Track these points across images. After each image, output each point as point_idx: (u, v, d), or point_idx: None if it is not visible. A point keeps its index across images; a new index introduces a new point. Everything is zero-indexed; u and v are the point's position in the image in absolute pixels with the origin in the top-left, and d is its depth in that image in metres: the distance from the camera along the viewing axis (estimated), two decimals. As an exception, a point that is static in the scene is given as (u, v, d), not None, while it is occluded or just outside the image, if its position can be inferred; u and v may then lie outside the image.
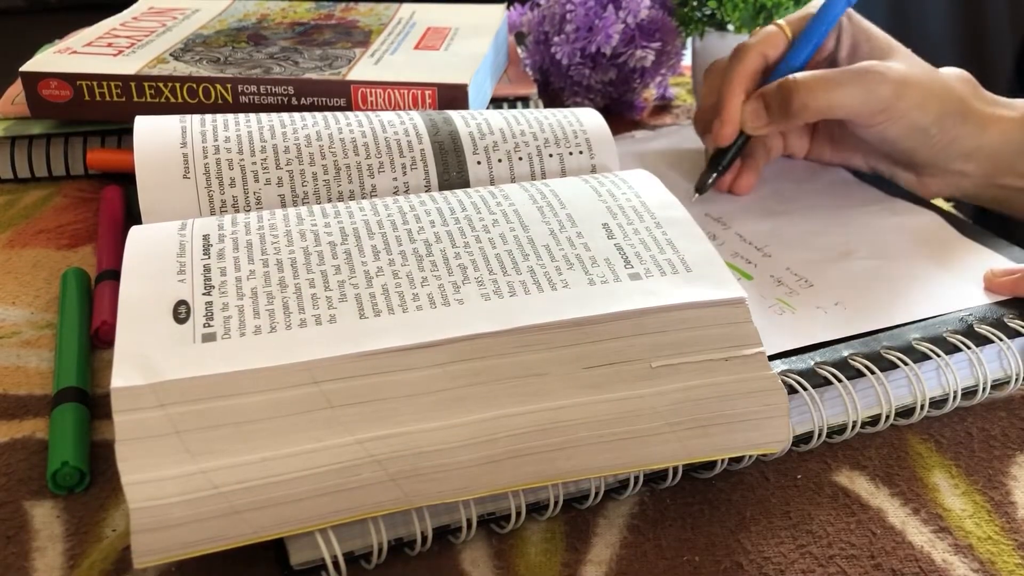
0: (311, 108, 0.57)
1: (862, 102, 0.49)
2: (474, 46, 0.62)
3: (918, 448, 0.39)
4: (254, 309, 0.34)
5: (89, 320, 0.46)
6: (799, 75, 0.50)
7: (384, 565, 0.33)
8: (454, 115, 0.49)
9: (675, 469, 0.36)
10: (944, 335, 0.40)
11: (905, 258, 0.47)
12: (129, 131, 0.59)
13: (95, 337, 0.45)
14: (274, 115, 0.47)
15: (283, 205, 0.44)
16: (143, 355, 0.32)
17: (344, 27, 0.66)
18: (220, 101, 0.57)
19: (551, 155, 0.47)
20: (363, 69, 0.58)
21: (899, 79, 0.49)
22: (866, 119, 0.50)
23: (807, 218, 0.52)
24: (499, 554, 0.34)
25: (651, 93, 0.75)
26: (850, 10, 0.53)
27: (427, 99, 0.56)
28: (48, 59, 0.59)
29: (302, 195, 0.44)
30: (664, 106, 0.74)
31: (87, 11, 0.74)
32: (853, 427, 0.38)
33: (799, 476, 0.37)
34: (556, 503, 0.34)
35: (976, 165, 0.51)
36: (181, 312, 0.34)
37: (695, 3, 0.67)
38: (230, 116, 0.47)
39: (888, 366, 0.38)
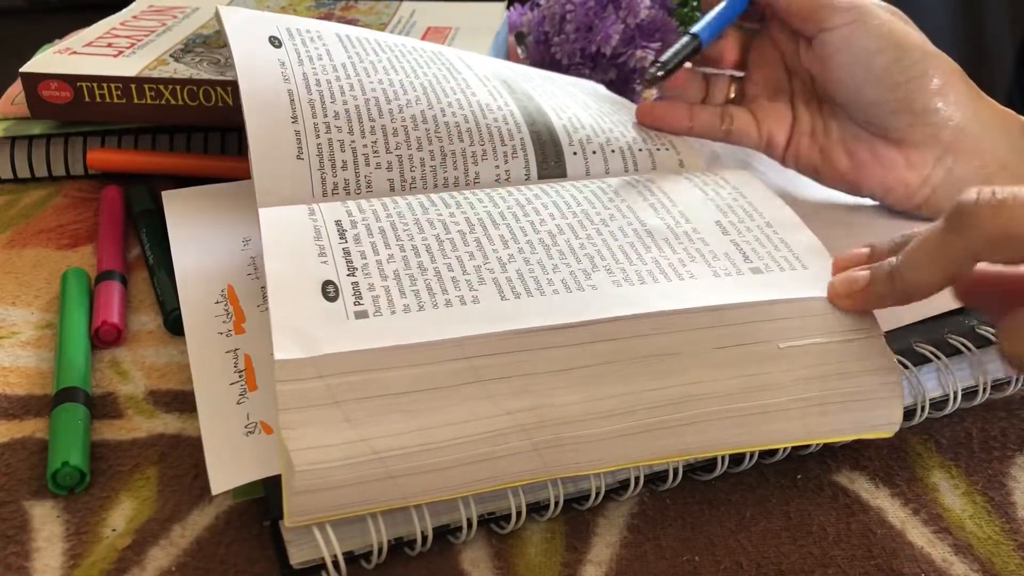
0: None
1: None
2: (474, 46, 0.62)
3: (918, 448, 0.39)
4: (399, 289, 0.36)
5: (89, 320, 0.46)
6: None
7: (384, 565, 0.33)
8: (545, 107, 0.49)
9: (675, 469, 0.36)
10: (945, 337, 0.40)
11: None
12: (130, 131, 0.60)
13: (95, 337, 0.45)
14: (374, 77, 0.46)
15: (392, 190, 0.44)
16: (300, 329, 0.33)
17: (344, 27, 0.66)
18: (220, 103, 0.56)
19: (640, 150, 0.48)
20: (363, 69, 0.58)
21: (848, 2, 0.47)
22: (805, 15, 0.47)
23: (809, 220, 0.52)
24: (499, 554, 0.34)
25: (651, 93, 0.75)
26: None
27: (427, 99, 0.56)
28: (48, 60, 0.59)
29: (410, 180, 0.45)
30: (664, 106, 0.74)
31: (87, 11, 0.74)
32: (921, 412, 0.38)
33: (799, 476, 0.37)
34: (557, 503, 0.34)
35: (967, 143, 0.47)
36: (330, 291, 0.35)
37: (695, 3, 0.67)
38: (333, 80, 0.46)
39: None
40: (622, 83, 0.70)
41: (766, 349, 0.35)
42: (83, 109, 0.57)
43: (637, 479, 0.35)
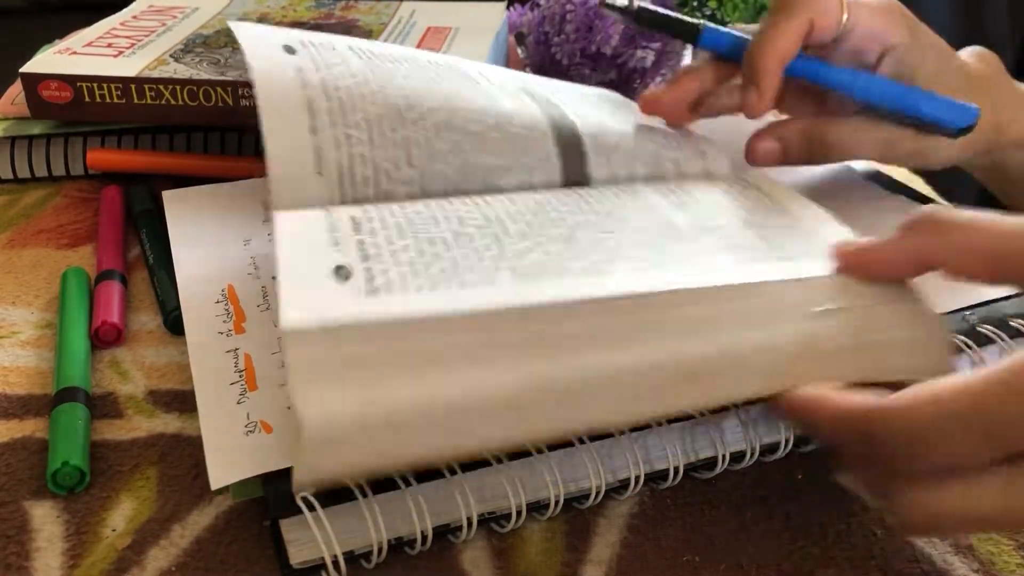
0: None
1: (815, 17, 0.45)
2: (474, 46, 0.62)
3: (918, 448, 0.39)
4: (414, 272, 0.35)
5: (89, 320, 0.46)
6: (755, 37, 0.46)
7: (384, 565, 0.33)
8: (566, 110, 0.47)
9: (675, 468, 0.36)
10: (975, 327, 0.40)
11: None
12: (130, 131, 0.60)
13: (95, 337, 0.45)
14: (394, 83, 0.44)
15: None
16: (310, 302, 0.33)
17: (344, 26, 0.66)
18: (220, 104, 0.57)
19: (669, 159, 0.47)
20: (363, 69, 0.58)
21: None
22: (826, 32, 0.46)
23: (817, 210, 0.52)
24: (499, 554, 0.34)
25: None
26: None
27: (427, 99, 0.56)
28: (48, 60, 0.59)
29: (431, 195, 0.43)
30: (664, 106, 0.74)
31: (87, 11, 0.74)
32: None
33: (799, 476, 0.37)
34: (556, 503, 0.34)
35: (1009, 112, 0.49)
36: (343, 274, 0.34)
37: (695, 3, 0.67)
38: (354, 88, 0.43)
39: None
40: (622, 83, 0.70)
41: (803, 313, 0.35)
42: (83, 109, 0.57)
43: (638, 478, 0.35)
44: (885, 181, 0.55)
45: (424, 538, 0.33)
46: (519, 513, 0.34)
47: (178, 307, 0.44)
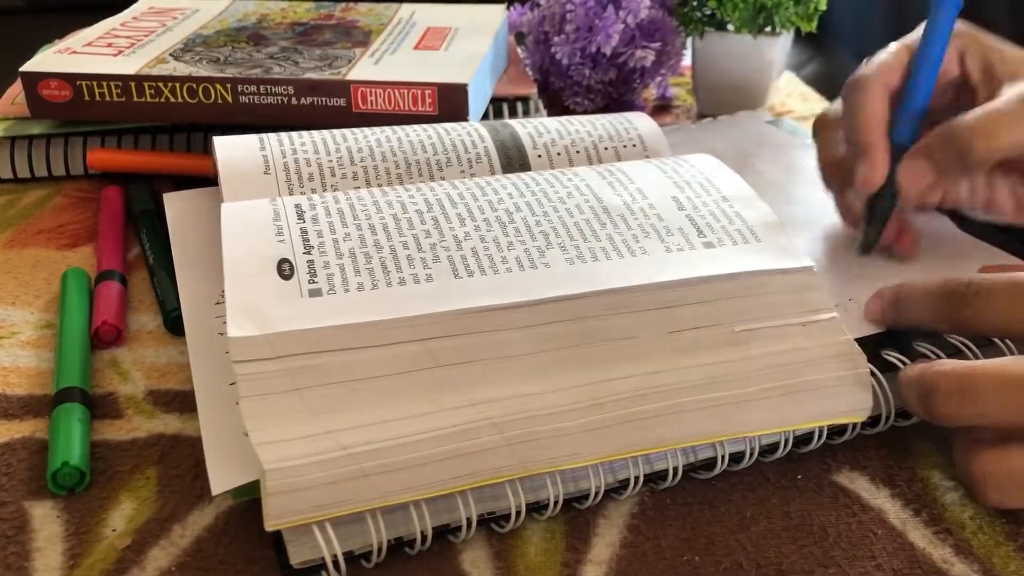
0: (311, 108, 0.57)
1: None
2: (474, 46, 0.62)
3: (919, 448, 0.39)
4: (354, 268, 0.36)
5: (89, 320, 0.46)
6: (966, 118, 0.42)
7: (384, 565, 0.33)
8: (511, 121, 0.51)
9: (675, 468, 0.36)
10: (946, 336, 0.40)
11: (917, 258, 0.47)
12: (130, 131, 0.60)
13: (95, 337, 0.45)
14: (342, 130, 0.50)
15: None
16: (254, 307, 0.33)
17: (344, 27, 0.66)
18: (220, 101, 0.56)
19: (606, 148, 0.49)
20: (363, 69, 0.58)
21: None
22: None
23: (813, 210, 0.52)
24: (499, 554, 0.34)
25: (651, 93, 0.75)
26: (967, 26, 0.47)
27: (427, 99, 0.56)
28: (48, 59, 0.59)
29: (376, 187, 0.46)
30: (664, 106, 0.74)
31: (87, 11, 0.74)
32: (854, 428, 0.38)
33: (799, 476, 0.37)
34: (556, 503, 0.34)
35: None
36: (285, 269, 0.35)
37: (695, 3, 0.67)
38: (303, 132, 0.49)
39: (888, 367, 0.38)
40: (622, 83, 0.70)
41: (721, 334, 0.36)
42: (83, 108, 0.57)
43: (637, 478, 0.35)
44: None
45: (424, 538, 0.33)
46: (519, 513, 0.34)
47: (178, 307, 0.44)
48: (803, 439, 0.38)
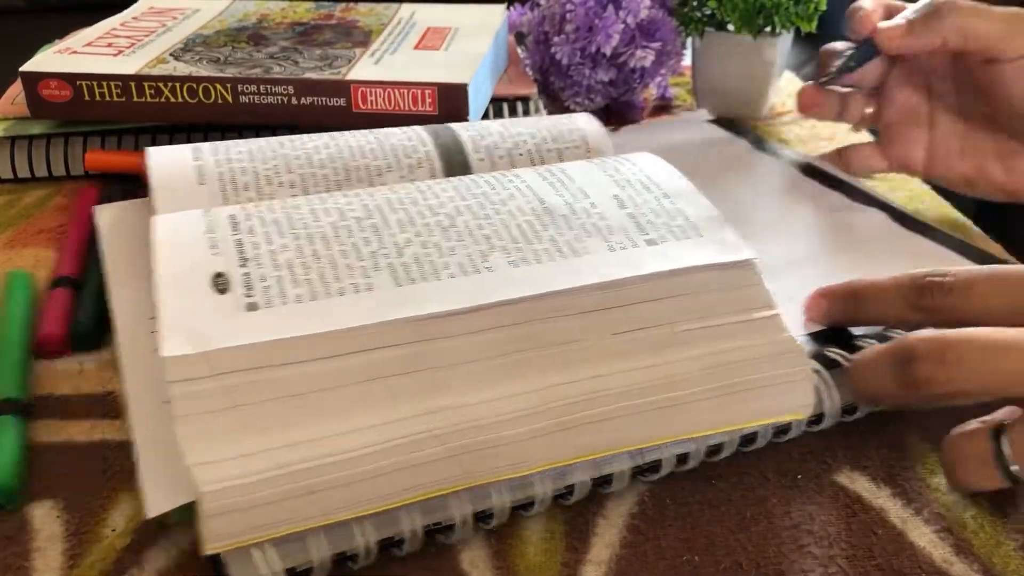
0: (311, 108, 0.57)
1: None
2: (474, 46, 0.62)
3: (919, 448, 0.39)
4: (292, 279, 0.35)
5: (33, 326, 0.45)
6: None
7: (383, 565, 0.33)
8: (452, 124, 0.50)
9: (622, 472, 0.35)
10: (887, 333, 0.40)
11: (852, 253, 0.48)
12: (130, 131, 0.60)
13: (39, 346, 0.44)
14: (279, 137, 0.48)
15: None
16: (189, 324, 0.32)
17: (344, 27, 0.66)
18: (220, 101, 0.56)
19: (549, 149, 0.48)
20: (363, 69, 0.58)
21: None
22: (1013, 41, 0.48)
23: (759, 209, 0.52)
24: (498, 554, 0.34)
25: (651, 93, 0.75)
26: None
27: (427, 99, 0.56)
28: (48, 59, 0.59)
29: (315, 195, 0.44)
30: (664, 106, 0.74)
31: (87, 11, 0.74)
32: (799, 426, 0.38)
33: (799, 476, 0.37)
34: (502, 511, 0.34)
35: None
36: (221, 283, 0.34)
37: (695, 3, 0.67)
38: (239, 140, 0.47)
39: (829, 364, 0.38)
40: (622, 83, 0.70)
41: (664, 334, 0.35)
42: (83, 108, 0.57)
43: (583, 483, 0.35)
44: (831, 180, 0.56)
45: (368, 552, 0.32)
46: (464, 523, 0.33)
47: (83, 321, 0.44)
48: (749, 438, 0.37)
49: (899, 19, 0.51)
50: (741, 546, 0.34)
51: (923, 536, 0.35)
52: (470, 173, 0.46)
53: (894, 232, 0.50)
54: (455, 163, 0.47)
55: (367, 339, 0.33)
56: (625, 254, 0.37)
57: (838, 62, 0.53)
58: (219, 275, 0.35)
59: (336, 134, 0.48)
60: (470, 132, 0.49)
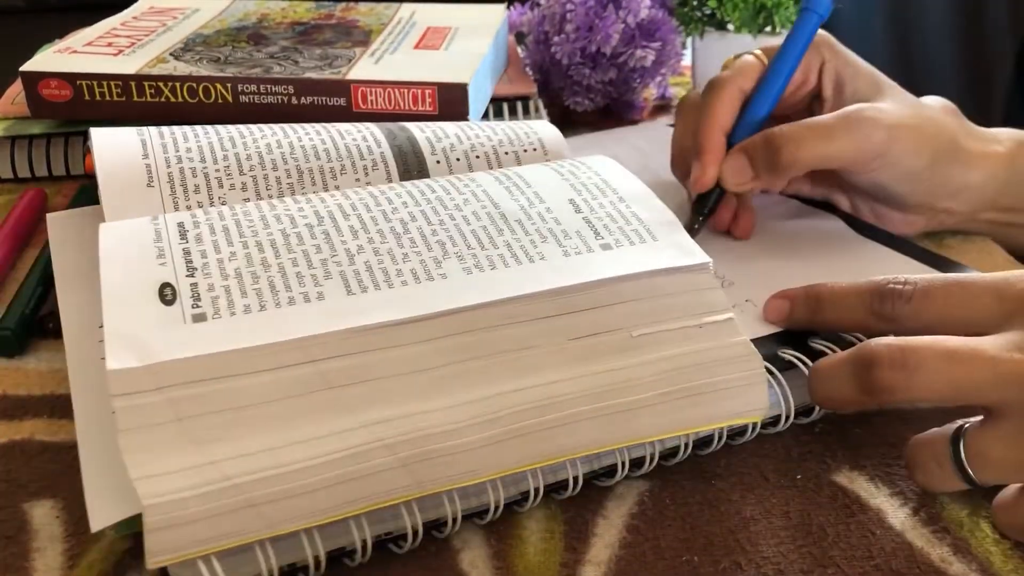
0: (311, 108, 0.57)
1: (855, 151, 0.46)
2: (474, 46, 0.62)
3: (918, 448, 0.39)
4: (240, 289, 0.34)
5: None
6: (786, 127, 0.46)
7: (382, 565, 0.33)
8: (408, 125, 0.49)
9: (575, 478, 0.35)
10: (843, 337, 0.40)
11: (811, 259, 0.48)
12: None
13: None
14: (232, 127, 0.47)
15: None
16: (134, 337, 0.32)
17: (344, 27, 0.66)
18: (220, 100, 0.57)
19: (507, 152, 0.48)
20: (363, 69, 0.58)
21: (892, 124, 0.46)
22: (859, 167, 0.47)
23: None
24: (498, 554, 0.34)
25: (651, 93, 0.75)
26: (832, 40, 0.50)
27: (427, 99, 0.56)
28: (48, 59, 0.59)
29: (266, 199, 0.43)
30: (664, 106, 0.74)
31: (87, 11, 0.74)
32: (754, 428, 0.38)
33: (799, 476, 0.37)
34: (537, 492, 0.34)
35: (961, 202, 0.50)
36: (167, 294, 0.34)
37: (695, 3, 0.67)
38: (187, 128, 0.46)
39: (784, 367, 0.39)
40: (622, 83, 0.70)
41: (620, 339, 0.35)
42: (83, 108, 0.57)
43: (538, 490, 0.35)
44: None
45: (318, 564, 0.32)
46: (416, 533, 0.33)
47: (10, 328, 0.44)
48: (704, 441, 0.37)
49: (742, 160, 0.48)
50: (740, 546, 0.34)
51: (921, 536, 0.35)
52: (426, 175, 0.46)
53: (851, 239, 0.50)
54: (411, 165, 0.46)
55: (315, 349, 0.32)
56: (581, 259, 0.37)
57: (696, 211, 0.50)
58: (166, 285, 0.34)
59: (288, 128, 0.47)
60: (426, 133, 0.48)
